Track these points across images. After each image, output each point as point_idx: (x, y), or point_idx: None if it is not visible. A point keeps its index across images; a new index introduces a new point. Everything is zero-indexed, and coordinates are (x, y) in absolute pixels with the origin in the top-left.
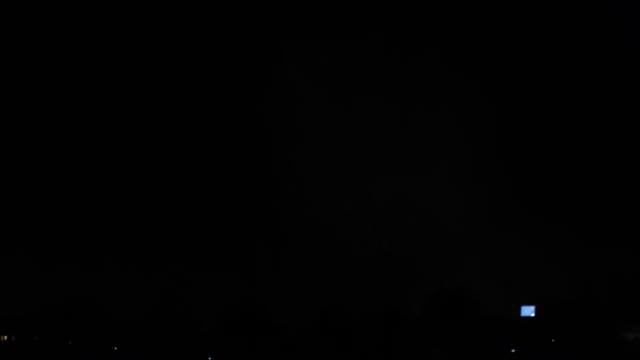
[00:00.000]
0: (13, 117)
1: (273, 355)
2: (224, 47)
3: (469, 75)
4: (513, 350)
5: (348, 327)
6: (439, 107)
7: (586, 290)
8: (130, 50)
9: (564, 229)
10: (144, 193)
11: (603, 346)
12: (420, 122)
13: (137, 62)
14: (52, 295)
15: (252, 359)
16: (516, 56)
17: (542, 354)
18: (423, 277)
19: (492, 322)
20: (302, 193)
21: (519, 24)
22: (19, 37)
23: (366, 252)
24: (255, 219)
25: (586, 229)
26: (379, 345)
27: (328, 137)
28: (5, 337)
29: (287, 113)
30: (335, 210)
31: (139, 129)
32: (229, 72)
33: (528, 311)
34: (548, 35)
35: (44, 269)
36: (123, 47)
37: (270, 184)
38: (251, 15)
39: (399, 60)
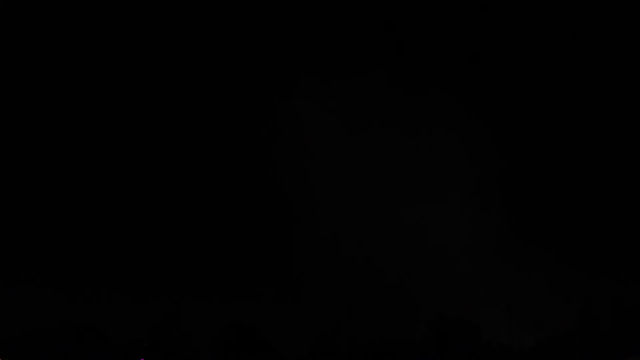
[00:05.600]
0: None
1: None
2: (241, 76)
3: (478, 108)
4: None
5: (348, 355)
6: (447, 139)
7: (588, 319)
8: (148, 66)
9: (566, 257)
10: (146, 215)
11: None
12: (428, 153)
13: (152, 83)
14: (49, 318)
15: None
16: (528, 92)
17: None
18: (424, 305)
19: (492, 350)
20: (313, 223)
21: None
22: (19, 37)
23: (369, 280)
24: (259, 245)
25: (588, 257)
26: None
27: (339, 167)
28: None
29: (299, 142)
30: (343, 238)
31: (145, 154)
32: (240, 102)
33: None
34: (556, 63)
35: (41, 292)
36: (134, 58)
37: (280, 211)
38: (262, 48)
39: (409, 94)
